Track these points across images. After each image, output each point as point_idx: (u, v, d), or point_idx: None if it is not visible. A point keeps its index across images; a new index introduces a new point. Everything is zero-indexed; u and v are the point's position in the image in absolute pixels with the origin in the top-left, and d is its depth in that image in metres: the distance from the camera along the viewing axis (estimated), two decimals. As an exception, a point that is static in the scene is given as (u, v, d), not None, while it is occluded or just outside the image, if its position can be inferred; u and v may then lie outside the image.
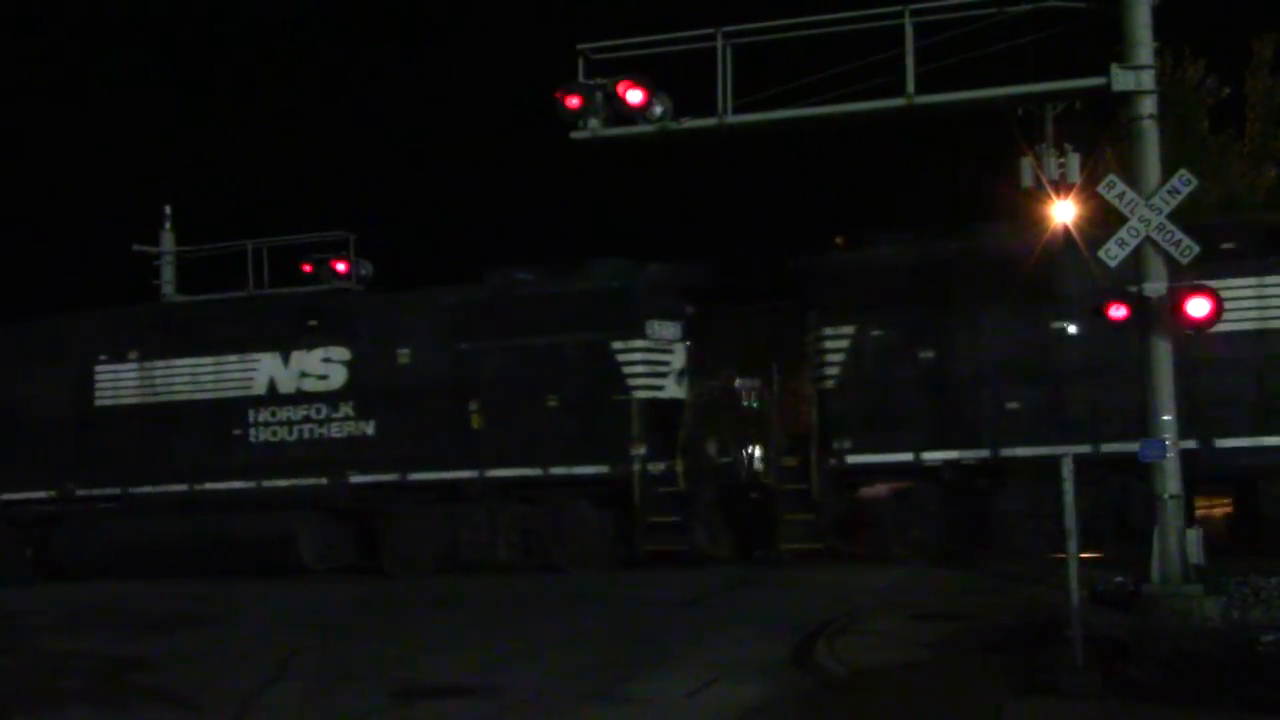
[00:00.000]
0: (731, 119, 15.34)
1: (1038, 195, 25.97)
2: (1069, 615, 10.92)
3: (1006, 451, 18.86)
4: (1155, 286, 13.84)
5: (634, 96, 15.18)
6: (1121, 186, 13.83)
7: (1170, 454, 13.71)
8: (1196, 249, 13.63)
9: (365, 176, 56.88)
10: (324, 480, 21.85)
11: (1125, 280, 18.06)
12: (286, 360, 22.42)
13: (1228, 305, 16.61)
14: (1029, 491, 18.58)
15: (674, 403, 20.76)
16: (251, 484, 22.18)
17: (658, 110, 15.27)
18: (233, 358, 22.78)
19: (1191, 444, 17.41)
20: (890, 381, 19.51)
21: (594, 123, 15.39)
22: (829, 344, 19.86)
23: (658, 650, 13.50)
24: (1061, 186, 25.79)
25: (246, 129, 59.15)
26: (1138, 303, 13.95)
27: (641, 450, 20.25)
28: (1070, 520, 11.22)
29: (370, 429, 21.84)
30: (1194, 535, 13.82)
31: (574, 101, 15.33)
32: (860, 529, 19.75)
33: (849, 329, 19.76)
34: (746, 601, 16.89)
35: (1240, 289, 17.70)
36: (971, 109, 15.88)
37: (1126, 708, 9.85)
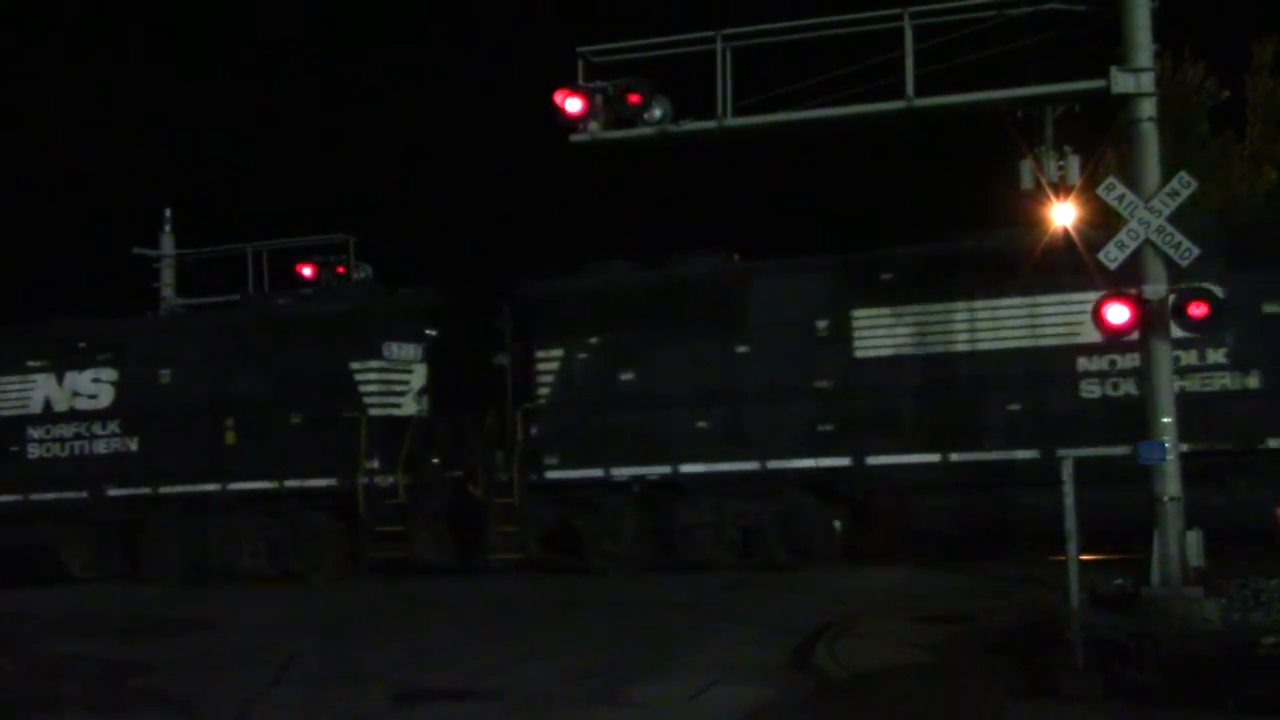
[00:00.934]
0: (731, 121, 15.35)
1: (1038, 197, 26.03)
2: (1069, 617, 10.92)
3: (686, 468, 20.09)
4: (1155, 289, 13.82)
5: (634, 99, 15.19)
6: (1121, 189, 13.83)
7: (1170, 456, 13.70)
8: (1196, 251, 13.64)
9: (365, 180, 56.95)
10: (84, 494, 23.00)
11: (793, 315, 19.77)
12: (61, 380, 23.59)
13: (888, 332, 19.47)
14: (707, 504, 19.96)
15: (420, 419, 21.98)
16: (19, 498, 23.35)
17: (657, 113, 15.29)
18: (14, 379, 23.93)
19: (846, 460, 19.33)
20: (592, 401, 20.65)
21: (594, 125, 15.41)
22: (540, 365, 21.04)
23: (658, 653, 13.50)
24: (1061, 189, 25.83)
25: (247, 132, 59.22)
26: (1137, 305, 13.92)
27: (374, 464, 21.43)
28: (1070, 523, 11.22)
29: (134, 445, 23.05)
30: (1193, 538, 13.81)
31: (574, 104, 15.35)
32: (565, 540, 20.89)
33: (558, 352, 20.97)
34: (746, 604, 16.89)
35: (898, 317, 19.39)
36: (971, 111, 15.88)
37: (1127, 710, 9.86)
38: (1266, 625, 12.58)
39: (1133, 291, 13.92)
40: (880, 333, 19.48)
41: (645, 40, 15.68)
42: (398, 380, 21.99)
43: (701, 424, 20.10)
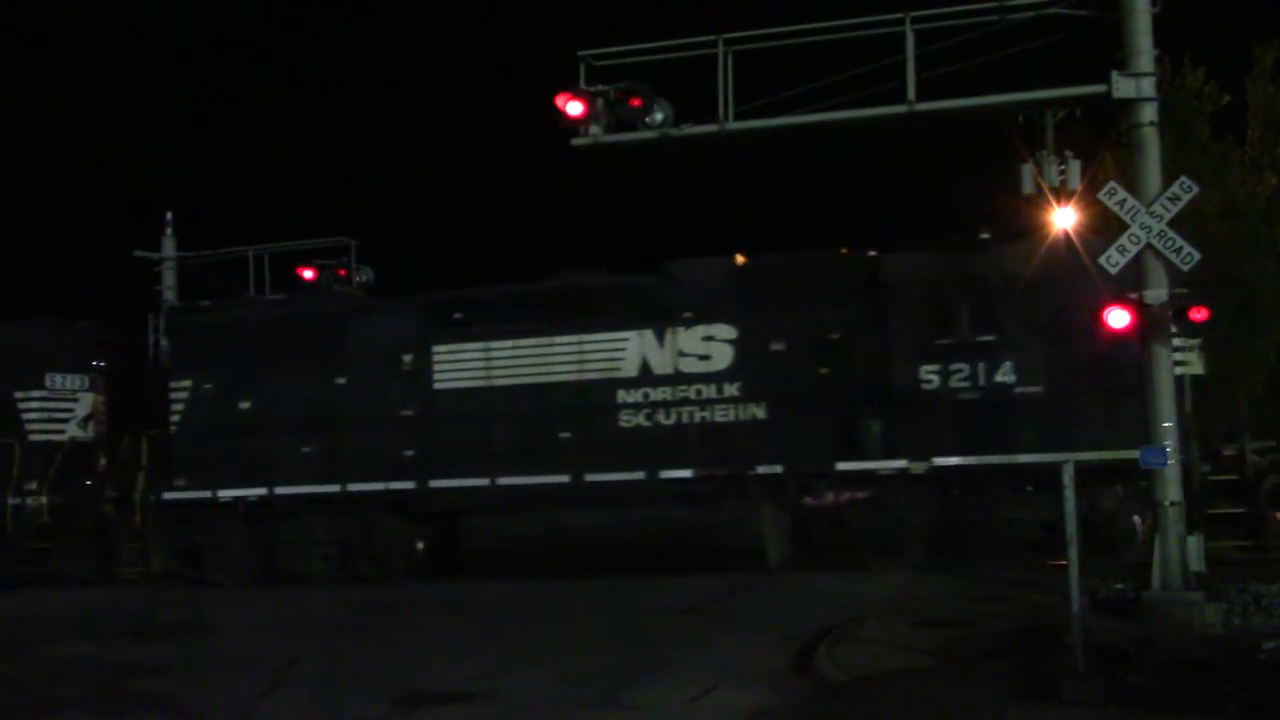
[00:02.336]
0: (732, 125, 15.37)
1: (1038, 202, 26.02)
2: (1070, 622, 10.92)
3: (280, 490, 22.15)
4: (1156, 294, 13.82)
5: (635, 103, 15.20)
6: (1122, 193, 13.84)
7: (1171, 461, 13.69)
8: (1197, 256, 13.66)
9: (367, 182, 56.98)
10: None
11: (384, 349, 22.01)
12: None
13: (458, 367, 21.62)
14: (301, 523, 22.05)
15: (75, 445, 24.08)
16: None
17: (659, 116, 15.31)
18: None
19: (411, 484, 21.45)
20: (213, 428, 22.67)
21: (595, 129, 15.43)
22: (174, 395, 23.13)
23: (658, 657, 13.49)
24: (1062, 193, 25.82)
25: (248, 134, 59.25)
26: (1139, 310, 13.93)
27: (31, 486, 23.69)
28: (1071, 527, 11.22)
29: None
30: (1194, 542, 13.81)
31: (575, 107, 15.36)
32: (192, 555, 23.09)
33: (187, 382, 23.12)
34: (746, 608, 16.89)
35: (470, 353, 21.56)
36: (972, 116, 15.90)
37: (1128, 714, 9.85)
38: (1267, 630, 12.59)
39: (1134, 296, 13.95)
40: (455, 367, 21.74)
41: (647, 44, 15.70)
42: (61, 408, 24.20)
43: (306, 449, 22.20)
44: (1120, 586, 14.63)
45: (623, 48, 15.66)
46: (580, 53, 15.55)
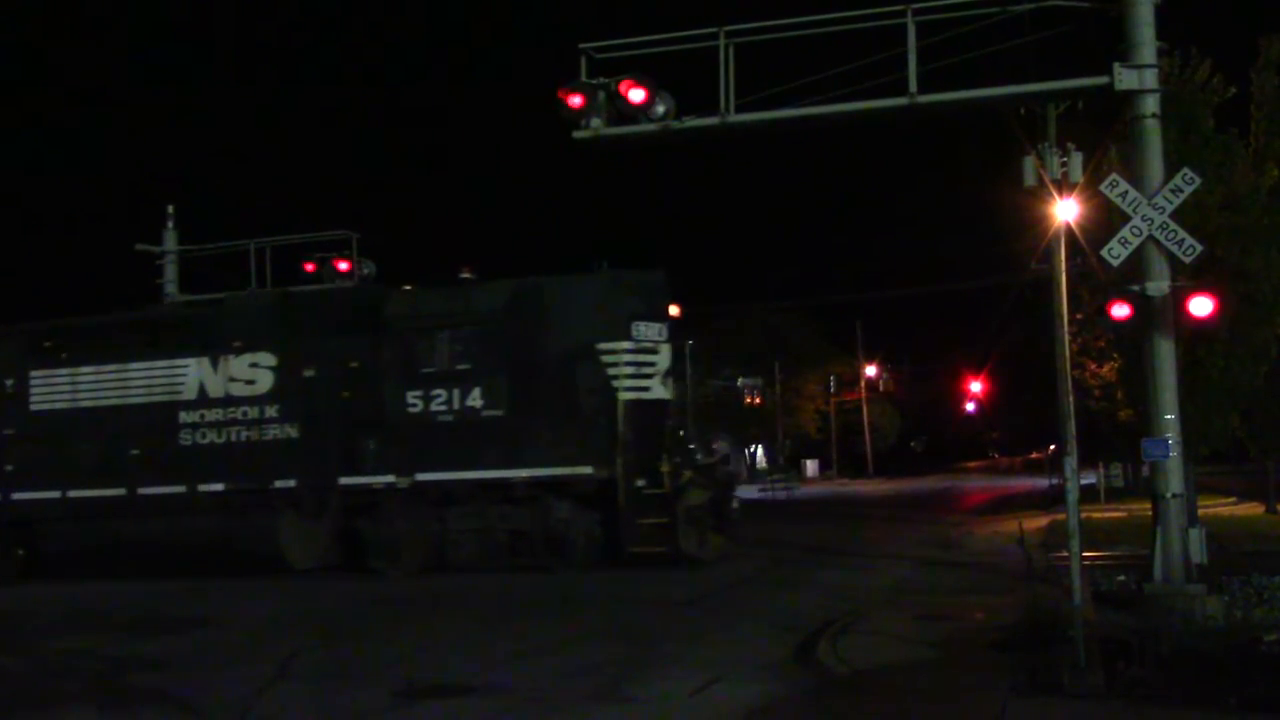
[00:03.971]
0: (733, 118, 15.35)
1: (1040, 194, 25.98)
2: (1072, 615, 10.92)
3: None
4: (1158, 286, 13.81)
5: (636, 95, 15.22)
6: (1124, 185, 13.83)
7: (1173, 453, 13.68)
8: (1199, 248, 13.65)
9: (368, 176, 57.02)
10: None
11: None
12: None
13: (51, 391, 24.09)
14: None
15: None
16: None
17: (660, 109, 15.30)
18: None
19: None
20: None
21: (596, 122, 15.42)
22: None
23: (660, 649, 13.49)
24: (1064, 186, 25.79)
25: (250, 129, 59.31)
26: (1140, 302, 13.91)
27: None
28: (1074, 521, 11.23)
29: None
30: (1196, 535, 13.81)
31: (576, 100, 15.36)
32: None
33: None
34: (747, 600, 16.90)
35: (61, 377, 24.15)
36: (974, 108, 15.88)
37: (1129, 707, 9.85)
38: (1269, 622, 12.61)
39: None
40: (49, 390, 24.31)
41: (648, 37, 15.68)
42: None
43: None
44: (1122, 579, 14.64)
45: (624, 40, 15.64)
46: (581, 45, 15.54)
